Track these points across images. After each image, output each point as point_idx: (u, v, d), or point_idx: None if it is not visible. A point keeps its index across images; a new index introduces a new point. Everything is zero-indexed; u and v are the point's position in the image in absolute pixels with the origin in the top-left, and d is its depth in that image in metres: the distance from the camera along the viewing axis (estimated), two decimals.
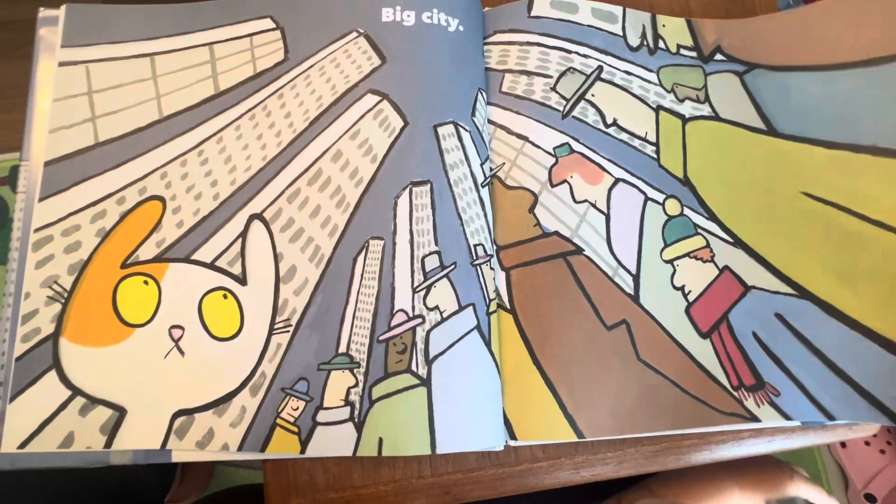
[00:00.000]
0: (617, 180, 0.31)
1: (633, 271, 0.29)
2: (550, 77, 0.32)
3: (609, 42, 0.33)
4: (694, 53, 0.34)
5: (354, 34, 0.30)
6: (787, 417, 0.28)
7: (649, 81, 0.33)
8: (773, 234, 0.30)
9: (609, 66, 0.32)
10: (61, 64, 0.30)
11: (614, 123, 0.32)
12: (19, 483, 0.34)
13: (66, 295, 0.27)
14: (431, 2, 0.30)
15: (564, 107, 0.31)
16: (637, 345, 0.28)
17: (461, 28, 0.31)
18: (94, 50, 0.30)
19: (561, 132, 0.31)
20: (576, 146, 0.31)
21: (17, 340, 0.26)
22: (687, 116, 0.32)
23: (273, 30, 0.31)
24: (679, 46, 0.33)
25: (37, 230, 0.27)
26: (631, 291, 0.29)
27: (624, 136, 0.32)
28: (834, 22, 0.32)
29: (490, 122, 0.31)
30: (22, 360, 0.26)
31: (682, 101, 0.32)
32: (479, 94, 0.31)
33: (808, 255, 0.29)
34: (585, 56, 0.32)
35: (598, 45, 0.33)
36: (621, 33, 0.33)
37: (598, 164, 0.31)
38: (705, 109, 0.32)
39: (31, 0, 0.30)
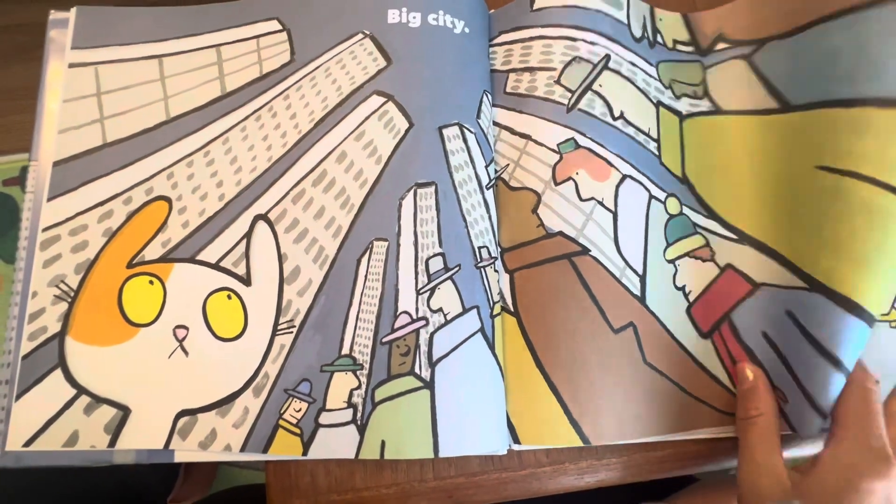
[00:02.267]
0: (624, 176, 0.29)
1: (640, 272, 0.29)
2: (554, 70, 0.30)
3: (616, 29, 0.31)
4: (691, 48, 0.32)
5: (360, 35, 0.30)
6: (793, 429, 0.26)
7: (650, 75, 0.31)
8: (784, 223, 0.27)
9: (616, 55, 0.31)
10: (71, 65, 0.30)
11: (621, 116, 0.30)
12: (23, 482, 0.34)
13: (72, 294, 0.27)
14: (437, 3, 0.30)
15: (570, 99, 0.30)
16: (644, 348, 0.28)
17: (467, 30, 0.31)
18: (104, 52, 0.30)
19: (566, 126, 0.29)
20: (582, 140, 0.29)
21: (24, 339, 0.26)
22: (684, 113, 0.31)
23: (279, 31, 0.31)
24: (675, 42, 0.32)
25: (45, 230, 0.28)
26: (638, 293, 0.28)
27: (630, 130, 0.30)
28: None
29: (495, 123, 0.31)
30: (28, 358, 0.26)
31: (678, 97, 0.31)
32: (485, 96, 0.31)
33: (823, 240, 0.25)
34: (593, 43, 0.30)
35: (606, 31, 0.30)
36: (626, 21, 0.31)
37: (606, 160, 0.29)
38: (704, 105, 0.31)
39: (45, 3, 0.31)
